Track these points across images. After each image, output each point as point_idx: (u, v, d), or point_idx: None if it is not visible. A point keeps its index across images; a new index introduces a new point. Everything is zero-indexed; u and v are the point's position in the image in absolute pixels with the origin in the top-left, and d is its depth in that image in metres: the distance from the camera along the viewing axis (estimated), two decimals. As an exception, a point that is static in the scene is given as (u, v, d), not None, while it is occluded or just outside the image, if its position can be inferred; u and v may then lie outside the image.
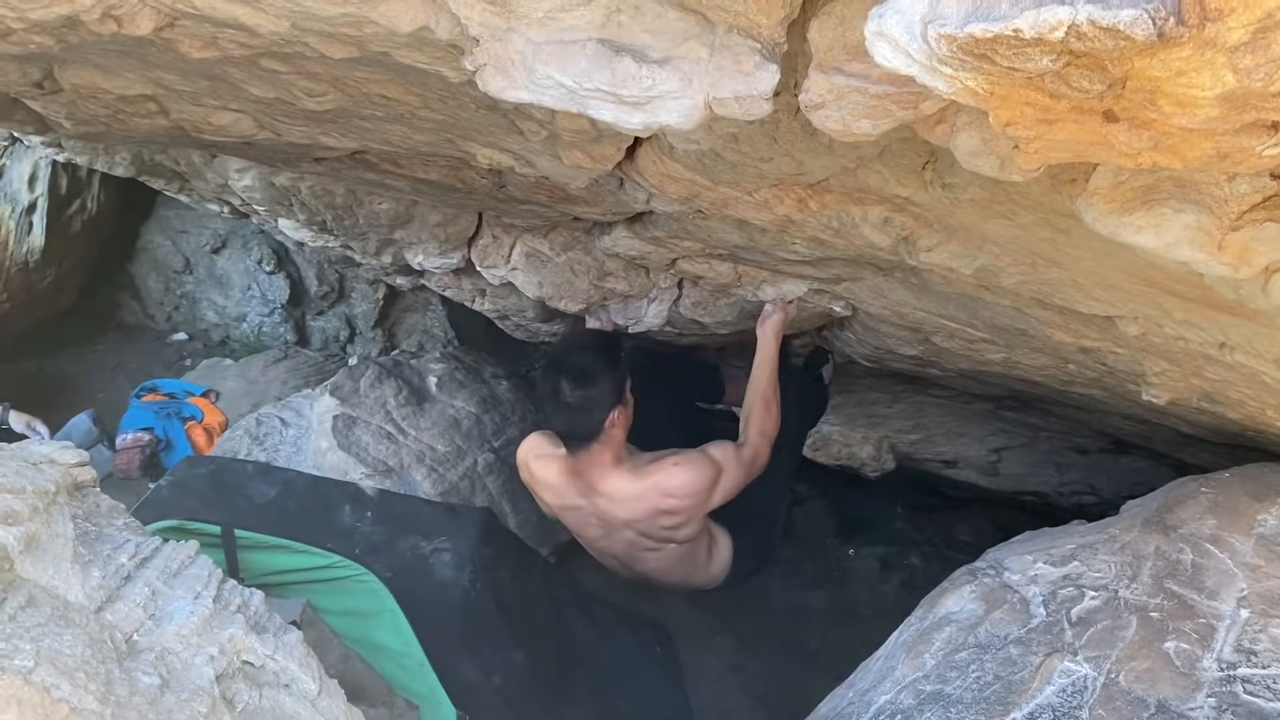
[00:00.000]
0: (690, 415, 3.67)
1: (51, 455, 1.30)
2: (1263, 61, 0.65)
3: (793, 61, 1.26)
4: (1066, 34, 0.64)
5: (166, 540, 1.35)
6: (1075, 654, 1.64)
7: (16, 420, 4.02)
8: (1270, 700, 1.48)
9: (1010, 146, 0.88)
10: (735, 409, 3.35)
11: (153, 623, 1.05)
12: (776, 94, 1.19)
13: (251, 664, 1.12)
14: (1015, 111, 0.78)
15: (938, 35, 0.69)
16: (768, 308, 2.94)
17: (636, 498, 2.84)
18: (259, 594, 1.33)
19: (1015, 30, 0.65)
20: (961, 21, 0.68)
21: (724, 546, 3.20)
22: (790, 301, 2.90)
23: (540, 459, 2.99)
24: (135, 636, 1.00)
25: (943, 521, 4.74)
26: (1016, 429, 4.15)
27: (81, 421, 4.42)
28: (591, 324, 3.39)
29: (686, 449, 2.89)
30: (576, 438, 2.81)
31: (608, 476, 2.85)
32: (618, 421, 2.79)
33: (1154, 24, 0.62)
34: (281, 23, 1.29)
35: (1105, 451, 4.16)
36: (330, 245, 3.69)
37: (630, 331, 3.37)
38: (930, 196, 1.63)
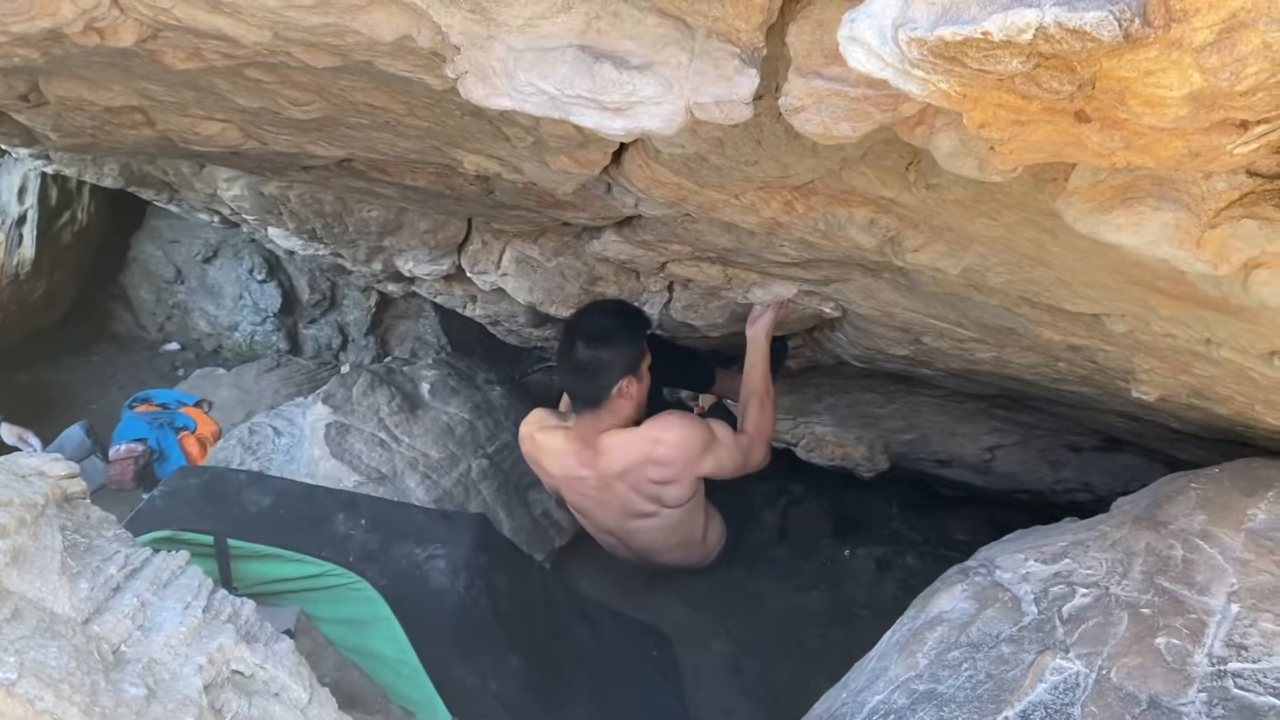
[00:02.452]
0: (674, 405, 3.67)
1: (40, 467, 1.30)
2: (1229, 61, 0.65)
3: (773, 65, 1.27)
4: (1034, 36, 0.65)
5: (158, 551, 1.35)
6: (1067, 651, 1.65)
7: (8, 432, 4.02)
8: (1261, 694, 1.49)
9: (987, 148, 0.89)
10: (728, 401, 3.36)
11: (141, 633, 1.05)
12: (759, 98, 1.20)
13: (241, 673, 1.12)
14: (988, 113, 0.78)
15: (908, 39, 0.70)
16: (756, 308, 2.94)
17: (630, 441, 2.84)
18: (250, 603, 1.33)
19: (984, 33, 0.66)
20: (931, 25, 0.68)
21: (717, 523, 3.20)
22: (784, 302, 2.90)
23: (546, 430, 3.00)
24: (123, 647, 1.00)
25: (938, 521, 4.75)
26: (1009, 428, 4.16)
27: (74, 433, 4.41)
28: None
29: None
30: (581, 399, 2.82)
31: (609, 434, 2.86)
32: (626, 392, 2.79)
33: (1119, 25, 0.62)
34: (264, 33, 1.29)
35: (1098, 449, 4.17)
36: (320, 253, 3.69)
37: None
38: (915, 197, 1.64)
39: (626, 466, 2.89)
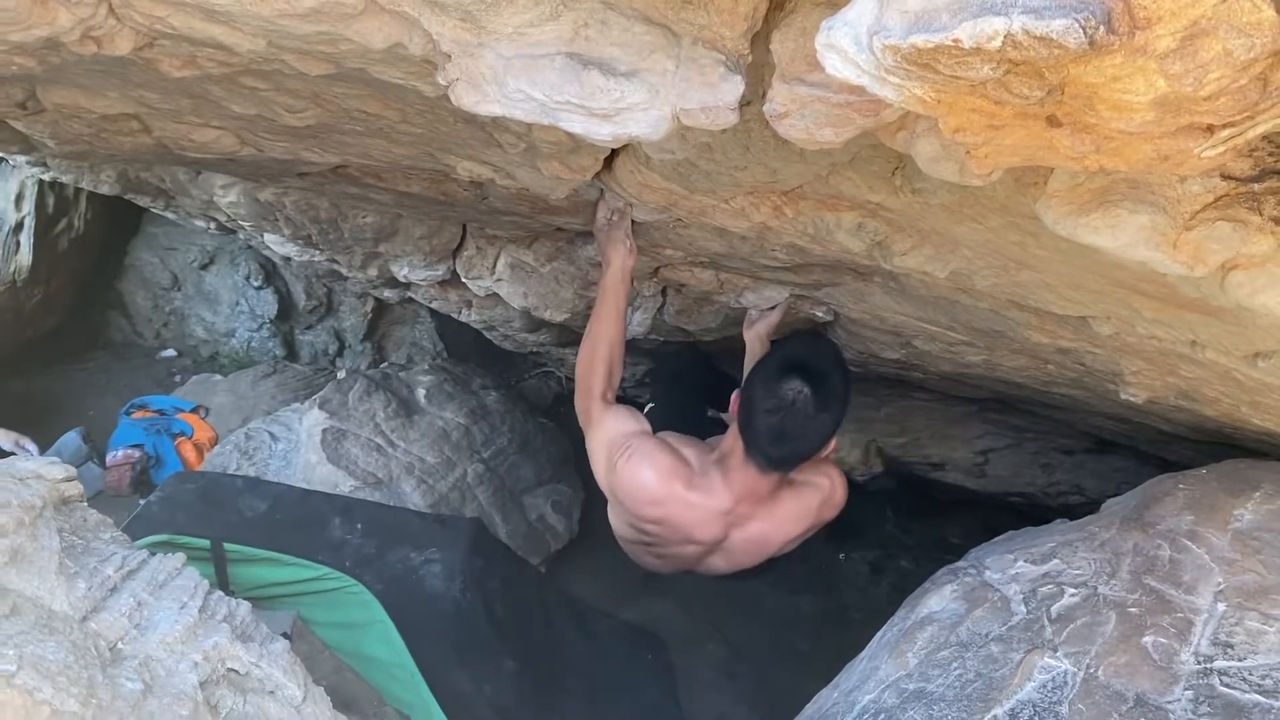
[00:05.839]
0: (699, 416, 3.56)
1: (38, 471, 1.32)
2: (1192, 67, 0.67)
3: (760, 72, 1.29)
4: (1003, 43, 0.67)
5: (155, 554, 1.37)
6: (1055, 650, 1.66)
7: (5, 438, 4.02)
8: (1246, 692, 1.50)
9: (964, 152, 0.91)
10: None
11: (138, 631, 1.07)
12: (746, 103, 1.22)
13: (236, 671, 1.14)
14: (962, 118, 0.80)
15: (882, 46, 0.72)
16: (752, 313, 2.96)
17: (803, 504, 2.37)
18: (245, 604, 1.34)
19: (955, 40, 0.68)
20: (904, 33, 0.70)
21: None
22: (777, 305, 2.90)
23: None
24: (120, 644, 1.02)
25: (932, 524, 4.77)
26: (1002, 431, 4.18)
27: (71, 439, 4.42)
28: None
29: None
30: (778, 461, 2.20)
31: (771, 504, 2.33)
32: (826, 451, 2.26)
33: (1085, 33, 0.64)
34: (258, 41, 1.31)
35: (1090, 451, 4.19)
36: (316, 259, 3.71)
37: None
38: (901, 201, 1.66)
39: (787, 539, 2.41)
